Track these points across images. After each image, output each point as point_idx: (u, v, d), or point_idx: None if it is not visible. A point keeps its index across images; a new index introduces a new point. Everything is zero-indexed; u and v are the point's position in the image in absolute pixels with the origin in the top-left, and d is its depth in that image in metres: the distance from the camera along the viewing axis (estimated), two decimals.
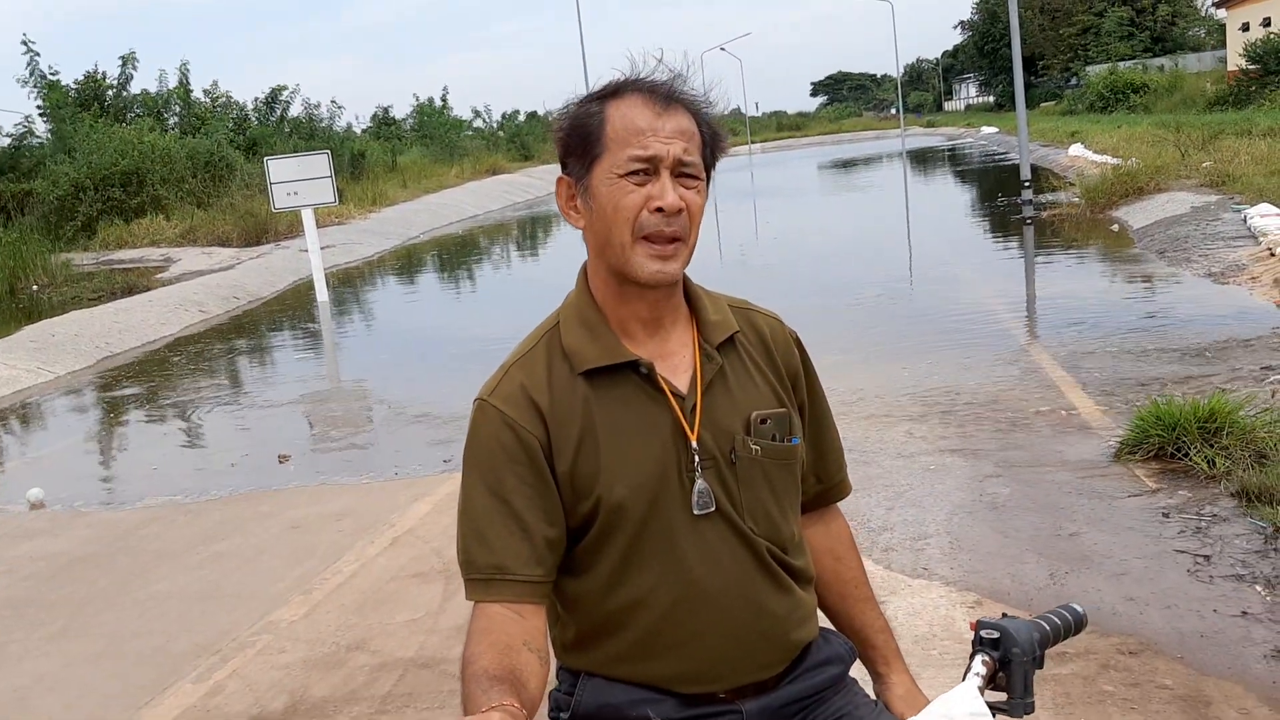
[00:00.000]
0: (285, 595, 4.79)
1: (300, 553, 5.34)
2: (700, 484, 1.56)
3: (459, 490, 1.60)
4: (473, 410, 1.60)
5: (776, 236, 19.83)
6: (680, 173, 1.53)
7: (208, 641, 4.39)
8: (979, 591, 4.13)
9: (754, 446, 1.60)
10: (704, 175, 1.57)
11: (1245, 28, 42.45)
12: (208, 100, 32.70)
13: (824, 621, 1.76)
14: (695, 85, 1.57)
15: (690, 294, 1.66)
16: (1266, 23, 38.64)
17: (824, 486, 1.80)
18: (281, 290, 17.56)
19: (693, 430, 1.57)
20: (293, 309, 15.70)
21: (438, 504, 5.87)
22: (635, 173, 1.51)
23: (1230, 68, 40.15)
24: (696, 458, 1.56)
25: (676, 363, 1.61)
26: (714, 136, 1.59)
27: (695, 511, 1.56)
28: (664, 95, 1.54)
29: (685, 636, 1.57)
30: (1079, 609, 1.47)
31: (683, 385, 1.59)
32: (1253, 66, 33.32)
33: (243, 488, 6.73)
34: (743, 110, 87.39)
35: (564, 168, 1.61)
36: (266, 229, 22.18)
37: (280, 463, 7.18)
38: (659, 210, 1.51)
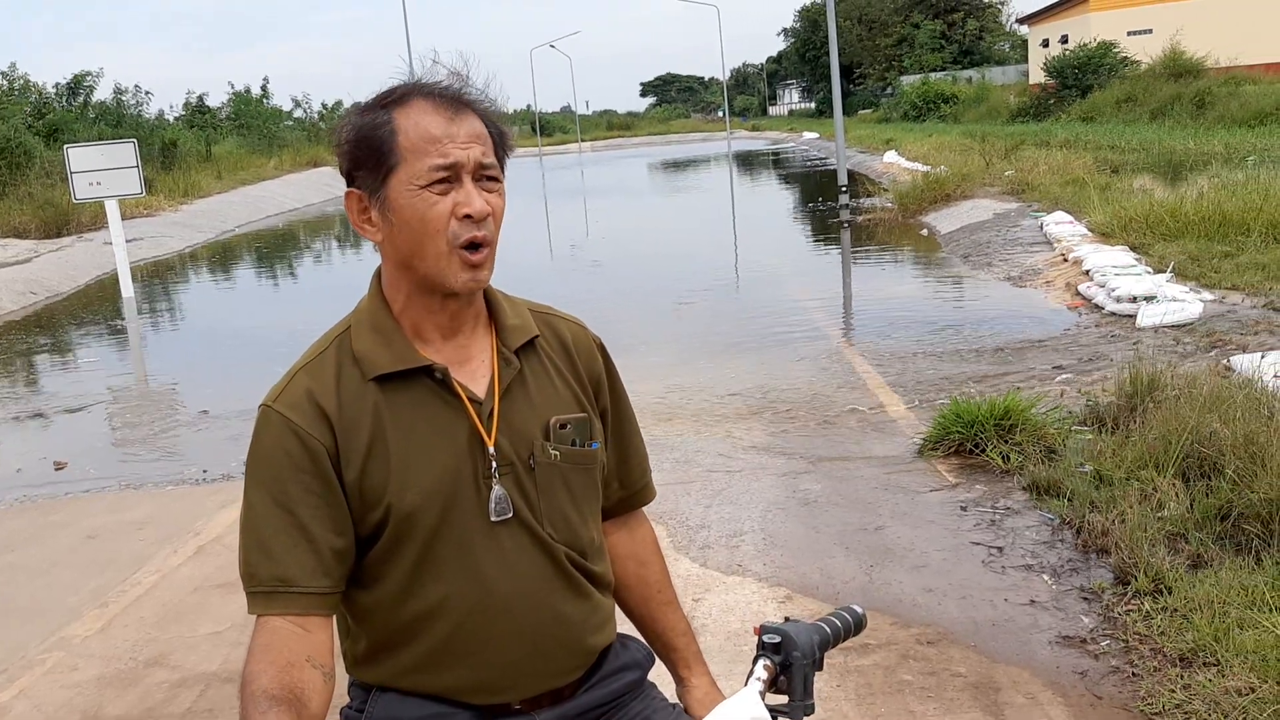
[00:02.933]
0: (80, 609, 4.54)
1: (97, 564, 5.07)
2: (498, 490, 1.54)
3: (241, 501, 1.54)
4: (257, 417, 1.55)
5: (606, 236, 19.91)
6: (481, 176, 1.51)
7: None
8: (790, 587, 4.24)
9: (553, 451, 1.59)
10: (502, 176, 1.56)
11: (1045, 44, 45.04)
12: (4, 83, 30.69)
13: (622, 626, 1.77)
14: (476, 84, 1.55)
15: (489, 299, 1.64)
16: (1065, 40, 41.08)
17: (627, 492, 1.78)
18: (84, 285, 16.65)
19: (490, 436, 1.54)
20: (96, 305, 14.90)
21: None
22: (438, 182, 1.48)
23: (1032, 81, 42.48)
24: (494, 464, 1.54)
25: (474, 368, 1.59)
26: (502, 136, 1.57)
27: (492, 518, 1.54)
28: (453, 100, 1.51)
29: (479, 645, 1.55)
30: (859, 610, 1.52)
31: (480, 390, 1.57)
32: (1051, 81, 35.34)
33: (35, 495, 6.34)
34: (573, 108, 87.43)
35: (350, 181, 1.55)
36: (68, 220, 20.95)
37: (56, 469, 6.76)
38: (467, 217, 1.48)
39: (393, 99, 1.52)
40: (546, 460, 1.58)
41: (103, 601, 4.59)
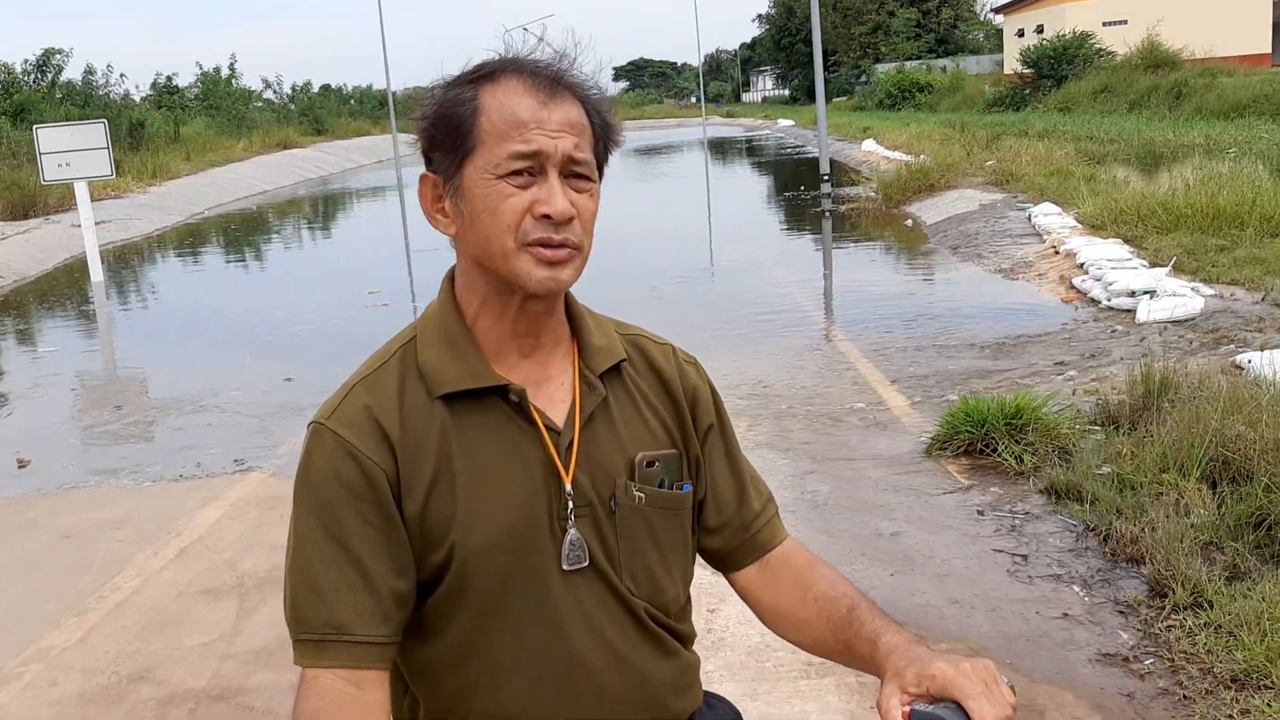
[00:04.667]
0: (57, 617, 4.28)
1: (74, 567, 4.81)
2: (573, 534, 1.34)
3: (287, 532, 1.33)
4: (307, 435, 1.33)
5: None
6: (570, 172, 1.30)
7: None
8: None
9: (637, 493, 1.38)
10: (597, 175, 1.34)
11: (1021, 33, 45.06)
12: None
13: (707, 685, 1.56)
14: (583, 67, 1.34)
15: (573, 314, 1.43)
16: (1040, 30, 41.10)
17: (748, 534, 1.50)
18: (51, 269, 16.22)
19: (568, 471, 1.34)
20: (64, 289, 14.50)
21: (230, 509, 5.42)
22: (517, 172, 1.27)
23: (1007, 71, 42.49)
24: (570, 503, 1.34)
25: (553, 391, 1.38)
26: (606, 129, 1.36)
27: (565, 566, 1.33)
28: (550, 80, 1.30)
29: (554, 709, 1.35)
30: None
31: (559, 418, 1.36)
32: (1027, 70, 35.36)
33: (3, 491, 6.06)
34: None
35: (428, 163, 1.34)
36: (35, 202, 20.42)
37: (19, 467, 6.46)
38: (545, 217, 1.27)
39: (483, 74, 1.31)
40: (629, 503, 1.38)
41: (81, 608, 4.34)
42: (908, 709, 1.19)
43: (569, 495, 1.34)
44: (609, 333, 1.45)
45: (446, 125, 1.30)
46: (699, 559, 1.53)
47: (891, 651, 1.28)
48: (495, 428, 1.33)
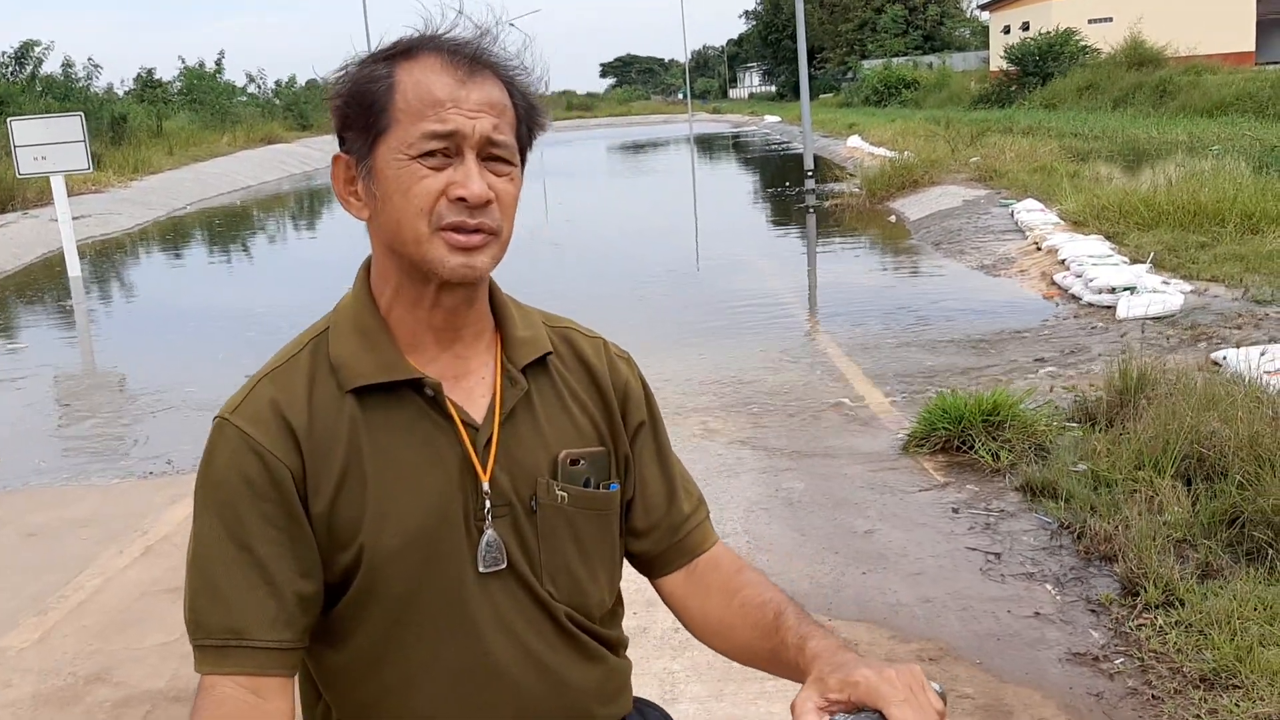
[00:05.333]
0: (16, 616, 4.21)
1: (36, 565, 4.74)
2: (489, 535, 1.28)
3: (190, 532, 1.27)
4: (210, 431, 1.27)
5: (568, 220, 19.56)
6: (489, 155, 1.24)
7: None
8: None
9: (560, 493, 1.32)
10: (518, 159, 1.28)
11: (1007, 30, 45.14)
12: None
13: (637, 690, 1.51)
14: (507, 47, 1.27)
15: (496, 305, 1.37)
16: (1025, 27, 41.17)
17: (676, 538, 1.44)
18: (28, 263, 16.07)
19: (485, 469, 1.28)
20: (40, 285, 14.37)
21: None
22: (432, 153, 1.21)
23: (993, 68, 42.53)
24: (488, 503, 1.28)
25: (472, 385, 1.32)
26: (530, 111, 1.30)
27: (480, 569, 1.27)
28: (469, 58, 1.23)
29: (470, 719, 1.29)
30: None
31: (478, 413, 1.30)
32: (1012, 68, 35.39)
33: None
34: (533, 88, 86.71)
35: (341, 143, 1.29)
36: (13, 195, 20.25)
37: None
38: (460, 200, 1.21)
39: (400, 50, 1.24)
40: (551, 502, 1.32)
41: (41, 608, 4.27)
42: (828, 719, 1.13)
43: (486, 494, 1.28)
44: (535, 324, 1.39)
45: (360, 103, 1.24)
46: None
47: (817, 656, 1.21)
48: (409, 423, 1.27)
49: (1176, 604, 3.53)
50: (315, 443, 1.24)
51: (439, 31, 1.26)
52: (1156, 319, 7.70)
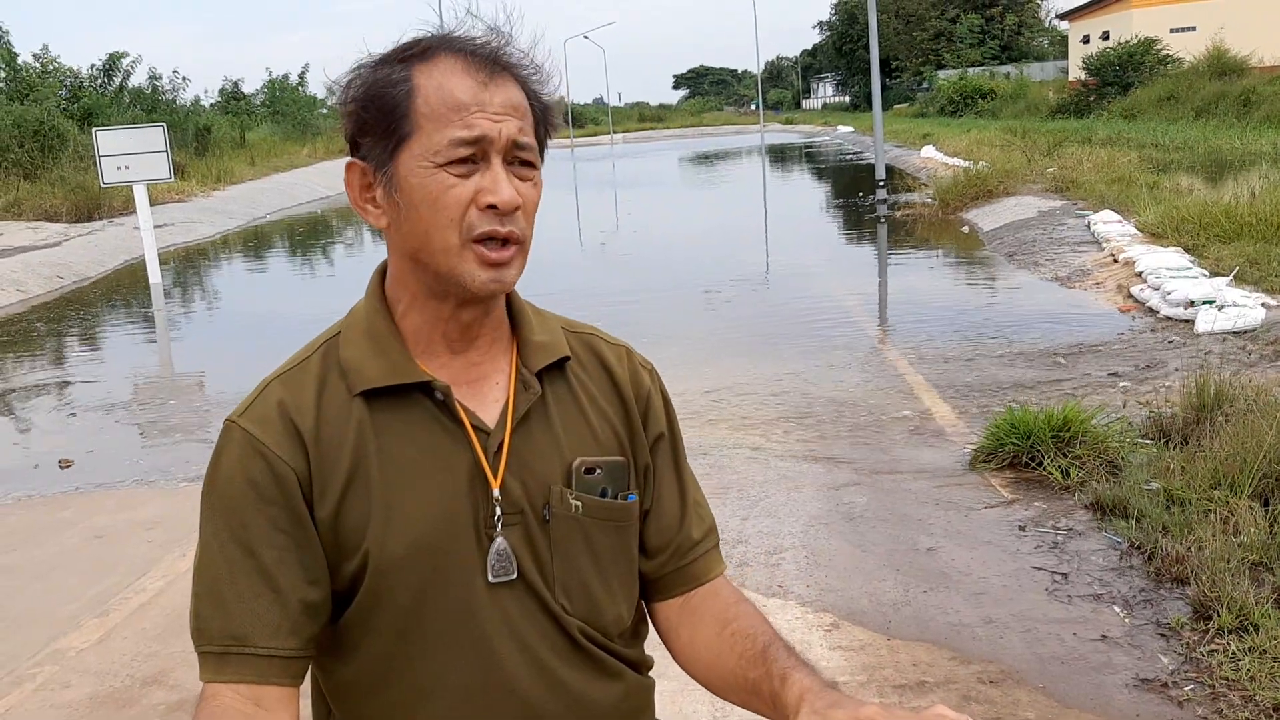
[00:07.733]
0: (78, 618, 4.28)
1: (101, 567, 4.82)
2: (499, 544, 1.23)
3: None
4: (219, 434, 1.25)
5: (637, 230, 19.56)
6: (514, 159, 1.20)
7: None
8: (836, 612, 3.92)
9: (575, 502, 1.27)
10: (540, 162, 1.24)
11: (1086, 40, 44.31)
12: (36, 65, 30.66)
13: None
14: (520, 47, 1.23)
15: (514, 310, 1.33)
16: (1105, 36, 40.36)
17: (681, 563, 1.38)
18: (111, 270, 16.49)
19: (496, 476, 1.24)
20: (123, 291, 14.73)
21: None
22: (460, 160, 1.17)
23: (1071, 78, 41.77)
24: (498, 510, 1.23)
25: (486, 390, 1.28)
26: (546, 112, 1.25)
27: (490, 579, 1.23)
28: (488, 59, 1.19)
29: None
30: None
31: (490, 418, 1.26)
32: (1091, 78, 34.69)
33: (45, 489, 6.11)
34: (605, 100, 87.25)
35: (354, 149, 1.24)
36: (100, 204, 20.86)
37: (61, 468, 6.49)
38: (491, 208, 1.17)
39: (414, 53, 1.20)
40: (565, 512, 1.27)
41: (103, 610, 4.34)
42: None
43: (497, 501, 1.23)
44: (553, 330, 1.35)
45: (378, 108, 1.19)
46: None
47: (806, 692, 1.14)
48: (417, 428, 1.24)
49: (1251, 629, 3.38)
50: (322, 446, 1.22)
51: (452, 31, 1.22)
52: (1236, 333, 7.46)
